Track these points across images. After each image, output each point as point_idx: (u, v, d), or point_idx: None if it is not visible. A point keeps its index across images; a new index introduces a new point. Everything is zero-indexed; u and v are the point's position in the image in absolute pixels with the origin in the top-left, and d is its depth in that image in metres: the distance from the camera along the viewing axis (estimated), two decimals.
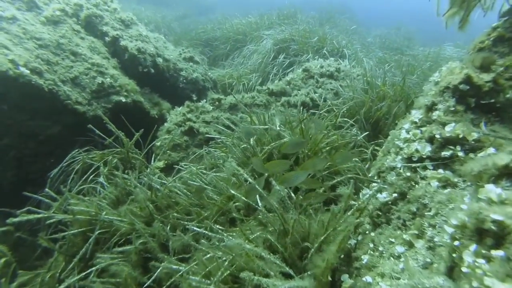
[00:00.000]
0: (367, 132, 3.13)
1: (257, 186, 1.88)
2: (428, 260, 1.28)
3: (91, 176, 3.01)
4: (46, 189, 2.91)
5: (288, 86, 4.39)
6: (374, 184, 2.21)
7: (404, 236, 1.51)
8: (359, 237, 1.96)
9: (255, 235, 1.76)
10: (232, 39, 8.57)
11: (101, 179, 2.92)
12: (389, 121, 3.28)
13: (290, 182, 1.88)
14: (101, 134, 3.24)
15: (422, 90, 3.96)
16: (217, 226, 2.05)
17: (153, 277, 2.16)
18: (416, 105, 2.38)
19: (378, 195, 1.90)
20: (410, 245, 1.49)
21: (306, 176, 1.88)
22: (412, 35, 11.58)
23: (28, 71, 2.98)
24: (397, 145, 2.09)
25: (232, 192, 2.07)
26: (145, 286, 2.19)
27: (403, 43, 10.28)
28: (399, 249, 1.52)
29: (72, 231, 2.51)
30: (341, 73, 4.85)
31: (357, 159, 2.62)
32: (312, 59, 6.23)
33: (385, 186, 2.02)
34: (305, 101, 3.83)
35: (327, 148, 2.72)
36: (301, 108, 3.48)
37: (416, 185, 1.73)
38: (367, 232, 1.92)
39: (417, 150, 1.83)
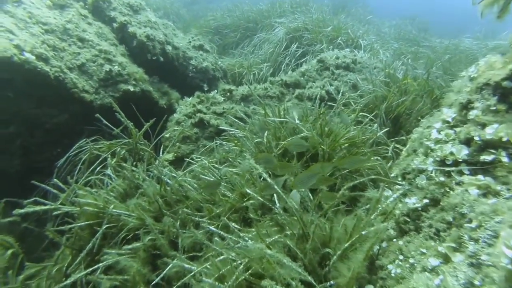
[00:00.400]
0: (387, 129, 2.96)
1: (275, 187, 1.75)
2: (472, 279, 1.14)
3: (98, 168, 2.91)
4: (54, 179, 2.82)
5: (302, 78, 4.21)
6: (399, 186, 2.07)
7: (439, 248, 1.38)
8: (383, 244, 1.83)
9: (273, 238, 1.64)
10: (243, 27, 8.33)
11: (108, 171, 2.83)
12: (412, 117, 3.10)
13: (302, 185, 1.74)
14: (108, 124, 3.13)
15: (447, 84, 3.75)
16: (233, 225, 1.93)
17: (161, 275, 2.07)
18: (446, 102, 2.20)
19: (406, 199, 1.76)
20: (446, 259, 1.35)
21: (317, 177, 1.75)
22: (427, 26, 11.18)
23: (33, 57, 2.85)
24: (427, 145, 1.94)
25: (249, 191, 1.95)
26: (153, 283, 2.11)
27: (418, 34, 9.91)
28: (433, 261, 1.39)
29: (79, 224, 2.42)
30: (357, 65, 4.64)
31: (378, 158, 2.47)
32: (326, 50, 6.00)
33: (412, 190, 1.88)
34: (320, 94, 3.65)
35: (346, 144, 2.57)
36: (318, 102, 3.30)
37: (451, 192, 1.59)
38: (393, 239, 1.79)
39: (451, 153, 1.68)
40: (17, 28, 2.95)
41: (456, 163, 1.66)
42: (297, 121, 2.44)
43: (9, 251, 2.37)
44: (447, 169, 1.66)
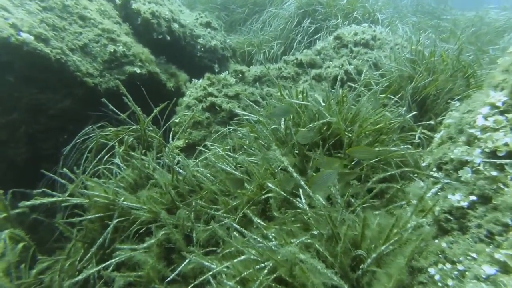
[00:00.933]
0: (415, 112, 2.72)
1: (301, 182, 1.58)
2: None
3: (106, 156, 2.77)
4: (64, 169, 2.70)
5: (318, 57, 3.93)
6: (435, 178, 1.87)
7: (497, 256, 1.21)
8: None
9: (300, 240, 1.48)
10: (251, 2, 7.88)
11: (116, 160, 2.68)
12: (441, 99, 2.84)
13: (320, 184, 1.55)
14: (114, 109, 2.95)
15: (478, 62, 3.42)
16: (257, 220, 1.78)
17: (176, 271, 1.97)
18: (490, 82, 1.95)
19: (449, 195, 1.57)
20: (505, 268, 1.18)
21: (336, 175, 1.56)
22: None
23: (32, 38, 2.64)
24: (471, 133, 1.72)
25: (270, 185, 1.78)
26: (168, 279, 2.01)
27: (438, 6, 9.29)
28: (488, 270, 1.22)
29: (89, 217, 2.32)
30: (377, 41, 4.31)
31: (409, 146, 2.25)
32: (341, 25, 5.62)
33: (453, 183, 1.68)
34: (339, 74, 3.39)
35: (373, 131, 2.36)
36: (339, 83, 3.05)
37: (506, 188, 1.39)
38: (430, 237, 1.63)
39: (506, 144, 1.46)
40: (12, 6, 2.73)
41: (510, 155, 1.46)
42: (323, 104, 2.21)
43: (20, 245, 2.29)
44: (500, 161, 1.46)
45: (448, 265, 1.33)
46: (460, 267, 1.30)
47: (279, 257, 1.40)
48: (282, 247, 1.55)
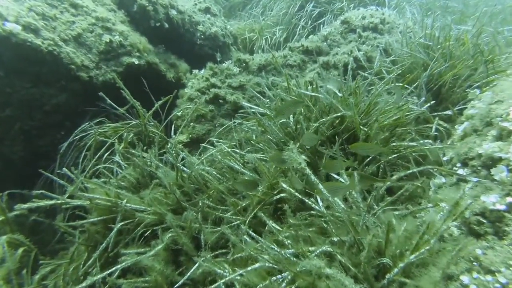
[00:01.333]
0: (433, 101, 2.56)
1: (320, 186, 1.44)
2: None
3: (106, 154, 2.63)
4: (64, 169, 2.56)
5: (325, 43, 3.73)
6: (460, 176, 1.74)
7: None
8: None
9: (320, 250, 1.36)
10: None
11: (117, 158, 2.55)
12: (456, 86, 2.67)
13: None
14: (112, 103, 2.79)
15: (496, 44, 3.22)
16: (273, 224, 1.65)
17: (186, 277, 1.87)
18: None
19: (482, 197, 1.45)
20: None
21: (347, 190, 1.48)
22: None
23: (19, 28, 2.45)
24: (504, 127, 1.57)
25: (284, 185, 1.65)
26: (177, 286, 1.91)
27: None
28: None
29: (91, 220, 2.20)
30: (386, 25, 4.09)
31: (430, 141, 2.11)
32: (346, 8, 5.36)
33: (483, 182, 1.55)
34: (348, 61, 3.21)
35: (389, 124, 2.21)
36: (346, 71, 2.88)
37: None
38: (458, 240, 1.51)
39: None
40: None
41: None
42: (339, 94, 2.05)
43: (20, 250, 2.18)
44: None
45: (488, 277, 1.21)
46: (502, 279, 1.18)
47: (298, 268, 1.28)
48: (299, 256, 1.44)
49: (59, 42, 2.82)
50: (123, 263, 1.93)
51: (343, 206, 1.53)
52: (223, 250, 2.04)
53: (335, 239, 1.46)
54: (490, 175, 1.50)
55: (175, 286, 1.90)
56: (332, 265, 1.32)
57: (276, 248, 1.42)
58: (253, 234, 1.69)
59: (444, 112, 2.67)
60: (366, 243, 1.27)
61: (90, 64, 3.10)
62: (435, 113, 2.64)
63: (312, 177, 1.47)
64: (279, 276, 1.38)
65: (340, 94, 2.07)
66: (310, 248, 1.41)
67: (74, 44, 3.03)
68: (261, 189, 1.96)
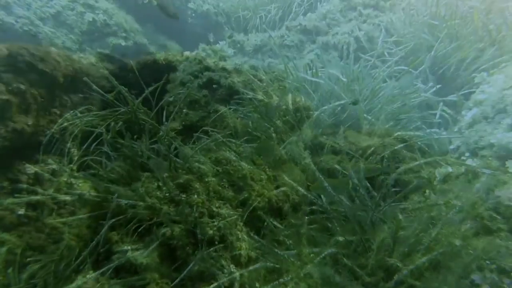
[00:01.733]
0: (439, 85, 2.44)
1: (325, 183, 1.34)
2: None
3: (94, 144, 2.48)
4: (49, 160, 2.41)
5: (324, 21, 3.52)
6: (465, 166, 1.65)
7: None
8: (456, 241, 1.49)
9: (326, 252, 1.27)
10: None
11: (105, 148, 2.40)
12: (466, 70, 2.55)
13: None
14: (98, 89, 2.61)
15: (504, 24, 3.07)
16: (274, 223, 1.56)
17: (182, 275, 1.80)
18: None
19: (496, 191, 1.36)
20: None
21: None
22: None
23: None
24: None
25: (287, 179, 1.54)
26: (174, 283, 1.85)
27: None
28: None
29: (79, 216, 2.09)
30: (387, 2, 3.88)
31: (437, 130, 2.01)
32: None
33: (496, 173, 1.47)
34: (349, 42, 3.04)
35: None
36: (347, 52, 2.72)
37: None
38: (469, 235, 1.44)
39: None
40: None
41: None
42: (343, 79, 1.91)
43: (4, 248, 2.07)
44: None
45: (505, 279, 1.14)
46: None
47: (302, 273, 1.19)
48: (301, 256, 1.36)
49: (35, 21, 2.58)
50: (117, 261, 1.84)
51: (347, 203, 1.43)
52: (221, 244, 1.96)
53: (340, 238, 1.37)
54: (505, 167, 1.42)
55: (173, 284, 1.84)
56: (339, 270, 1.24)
57: (279, 252, 1.33)
58: (253, 235, 1.60)
59: (449, 97, 2.56)
60: (375, 246, 1.18)
61: (72, 46, 2.87)
62: (439, 98, 2.53)
63: (317, 173, 1.36)
64: (281, 279, 1.31)
65: (344, 79, 1.92)
66: (314, 249, 1.33)
67: (53, 23, 2.79)
68: (260, 182, 1.85)
